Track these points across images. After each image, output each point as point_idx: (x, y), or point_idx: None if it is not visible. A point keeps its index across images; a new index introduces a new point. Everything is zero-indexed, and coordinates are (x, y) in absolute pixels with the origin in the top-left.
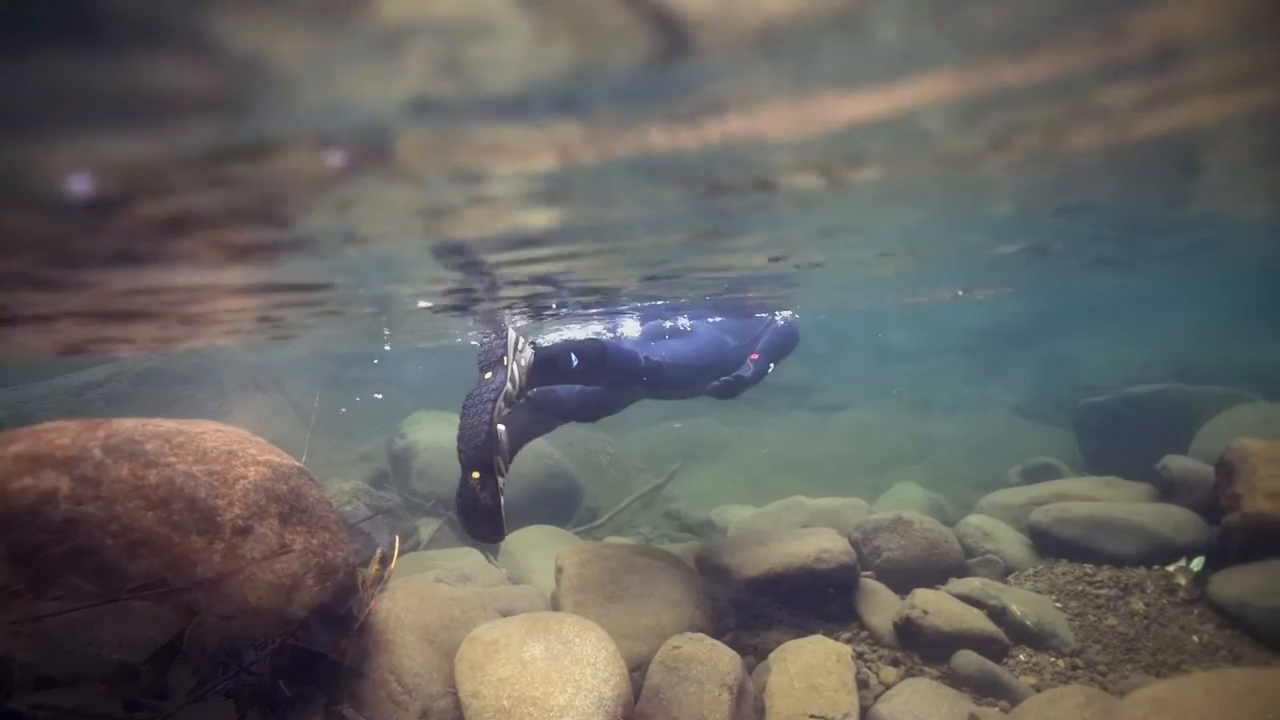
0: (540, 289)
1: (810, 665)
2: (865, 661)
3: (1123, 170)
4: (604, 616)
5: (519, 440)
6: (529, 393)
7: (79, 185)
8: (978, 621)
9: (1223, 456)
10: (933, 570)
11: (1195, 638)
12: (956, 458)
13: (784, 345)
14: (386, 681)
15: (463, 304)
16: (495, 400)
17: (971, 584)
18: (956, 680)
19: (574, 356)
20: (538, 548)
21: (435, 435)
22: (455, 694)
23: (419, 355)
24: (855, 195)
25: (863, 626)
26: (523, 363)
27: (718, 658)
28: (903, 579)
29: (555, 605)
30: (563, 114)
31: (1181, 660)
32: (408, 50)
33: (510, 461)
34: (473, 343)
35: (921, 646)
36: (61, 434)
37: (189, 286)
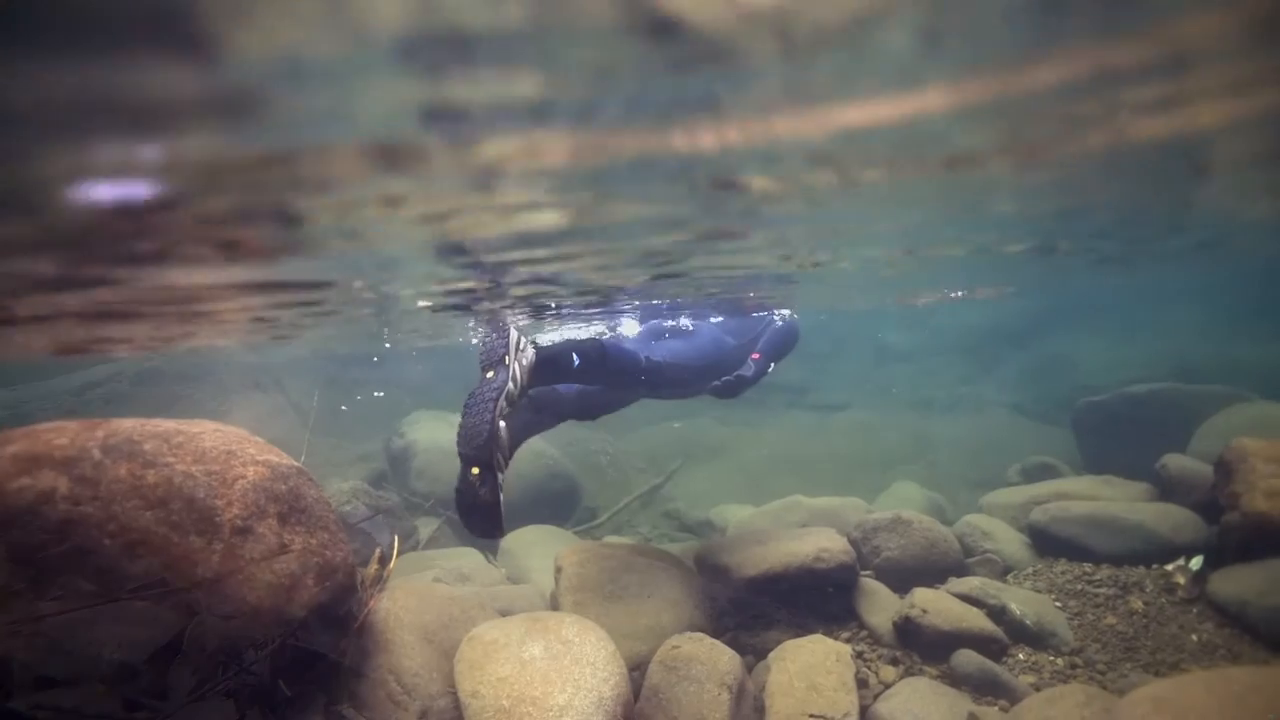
0: (543, 288)
1: (810, 664)
2: (865, 661)
3: (1128, 171)
4: (603, 616)
5: (519, 438)
6: (530, 392)
7: (136, 189)
8: (977, 620)
9: (1221, 456)
10: (932, 569)
11: (1194, 637)
12: (955, 457)
13: (784, 344)
14: (386, 681)
15: (464, 303)
16: (497, 399)
17: (971, 583)
18: (956, 679)
19: (575, 356)
20: (537, 547)
21: (434, 435)
22: (454, 694)
23: (419, 355)
24: (863, 194)
25: (862, 626)
26: (524, 362)
27: (717, 657)
28: (902, 578)
29: (554, 605)
30: (581, 119)
31: (1180, 659)
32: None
33: (510, 459)
34: (473, 342)
35: (921, 646)
36: (60, 434)
37: (190, 285)
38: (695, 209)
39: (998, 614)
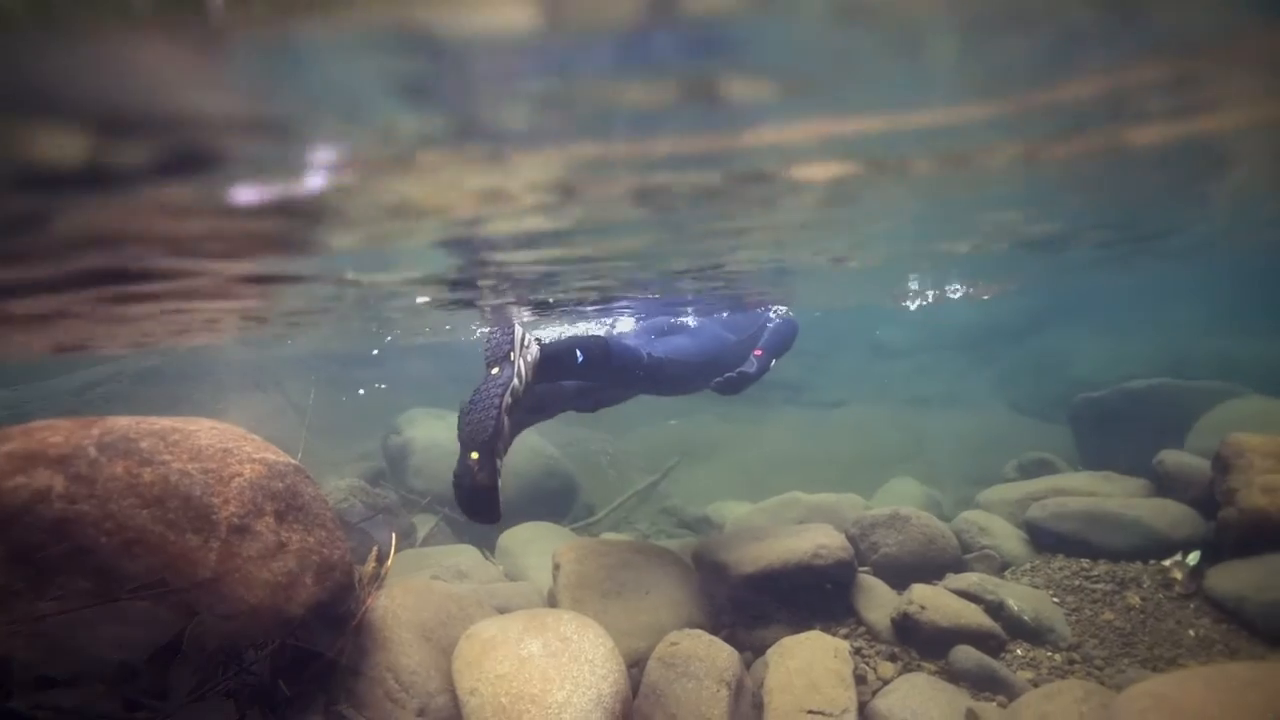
0: (547, 287)
1: (808, 661)
2: (863, 657)
3: (1141, 171)
4: (602, 613)
5: (518, 427)
6: (535, 388)
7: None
8: (975, 617)
9: (1219, 451)
10: (930, 566)
11: (1192, 632)
12: (952, 453)
13: (785, 341)
14: (384, 679)
15: (467, 300)
16: (503, 395)
17: (969, 579)
18: (954, 675)
19: (579, 352)
20: (534, 544)
21: (431, 432)
22: (453, 691)
23: (420, 351)
24: (897, 189)
25: (860, 622)
26: (529, 358)
27: (716, 654)
28: (900, 574)
29: (553, 602)
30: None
31: (1178, 654)
32: None
33: (509, 447)
34: (474, 339)
35: (919, 642)
36: (55, 432)
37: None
38: (725, 203)
39: (996, 610)
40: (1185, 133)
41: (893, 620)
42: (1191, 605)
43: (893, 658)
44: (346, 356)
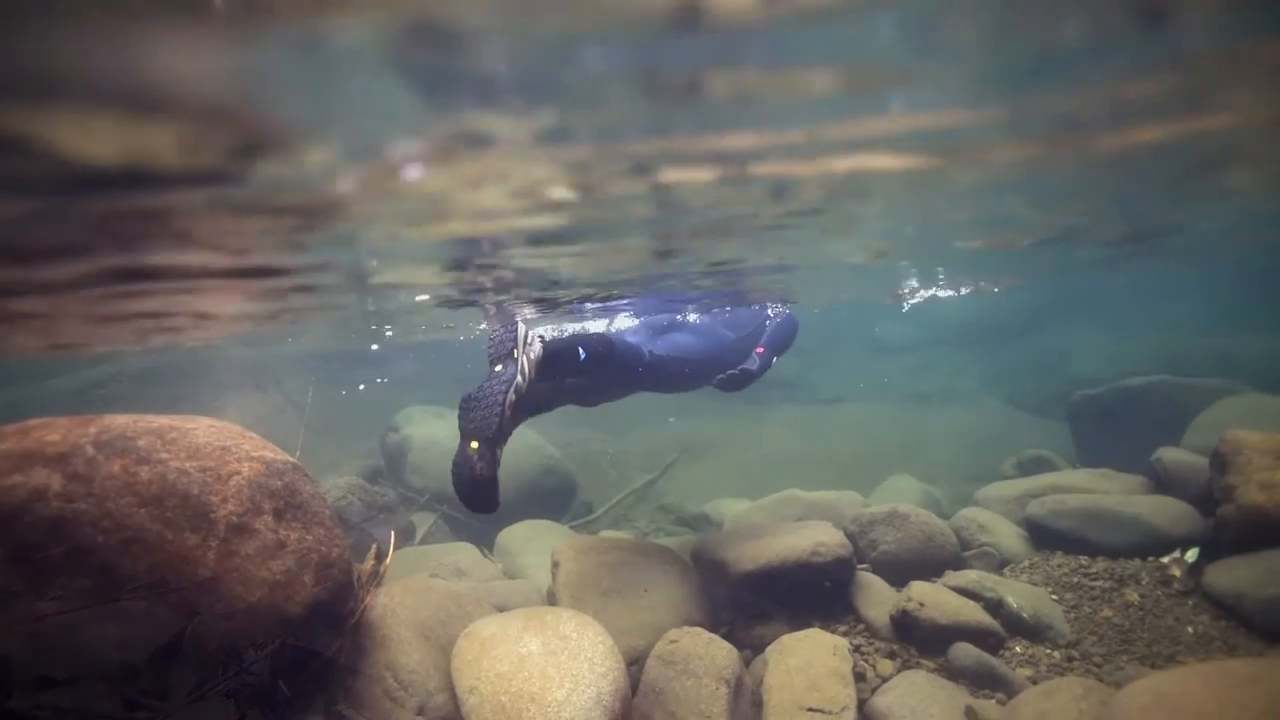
0: (550, 286)
1: (807, 659)
2: (862, 654)
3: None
4: (601, 611)
5: (517, 420)
6: (537, 385)
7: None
8: (974, 614)
9: (1217, 448)
10: (929, 563)
11: (1190, 629)
12: (951, 450)
13: (787, 338)
14: (383, 678)
15: (469, 299)
16: (507, 392)
17: (968, 576)
18: (953, 673)
19: (581, 350)
20: (533, 542)
21: (430, 430)
22: (452, 690)
23: (420, 348)
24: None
25: (859, 620)
26: (532, 355)
27: (715, 652)
28: (899, 572)
29: (552, 600)
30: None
31: (1177, 651)
32: None
33: (508, 439)
34: (472, 336)
35: (918, 639)
36: (52, 430)
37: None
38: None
39: (994, 607)
40: (1185, 132)
41: (892, 618)
42: (1190, 602)
43: (892, 655)
44: (346, 356)
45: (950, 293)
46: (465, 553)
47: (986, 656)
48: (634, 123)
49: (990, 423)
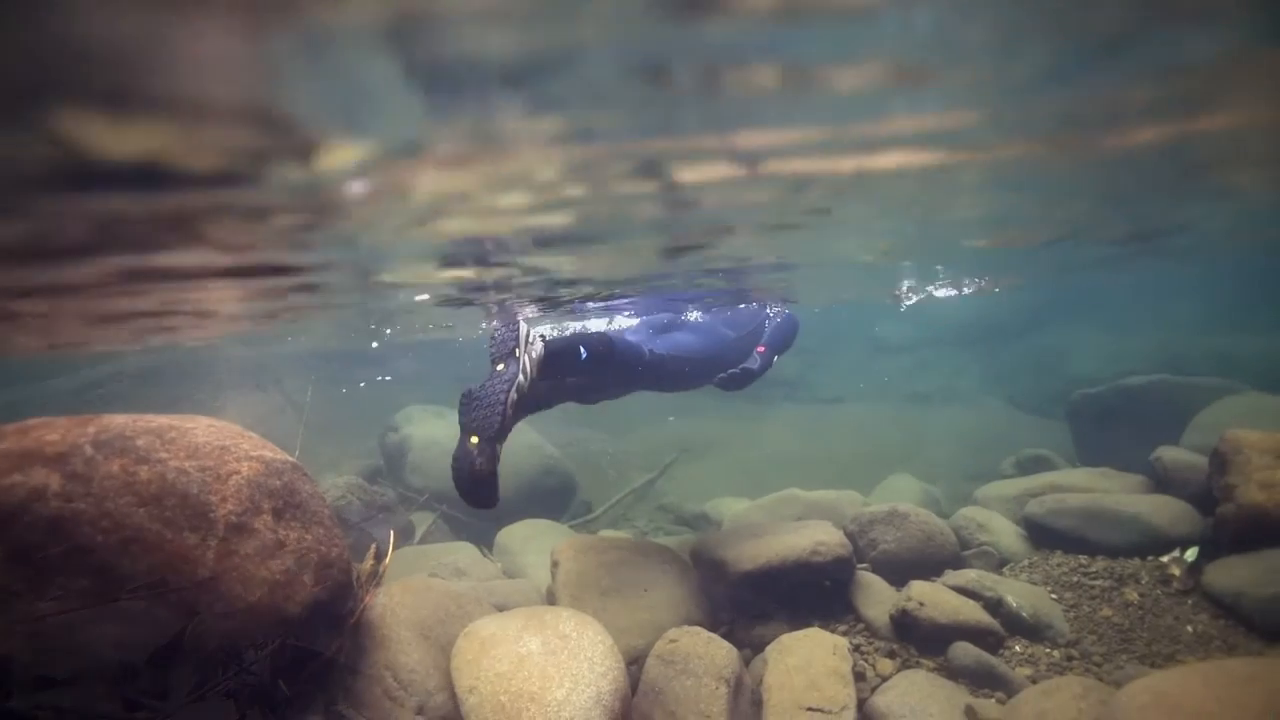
0: (553, 285)
1: (807, 658)
2: (862, 654)
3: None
4: (600, 611)
5: (517, 417)
6: (538, 384)
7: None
8: (974, 613)
9: (1216, 447)
10: (928, 562)
11: (1190, 628)
12: (950, 450)
13: (788, 337)
14: (382, 678)
15: (470, 298)
16: (509, 391)
17: (967, 576)
18: (953, 672)
19: (582, 349)
20: (532, 541)
21: (429, 430)
22: (452, 689)
23: (420, 348)
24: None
25: (859, 619)
26: (534, 355)
27: (714, 651)
28: (898, 571)
29: (551, 599)
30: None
31: (1176, 650)
32: None
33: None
34: (475, 336)
35: (918, 639)
36: (50, 430)
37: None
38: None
39: (994, 607)
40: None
41: (891, 617)
42: (1189, 601)
43: (891, 654)
44: (346, 355)
45: (953, 292)
46: (464, 552)
47: (986, 656)
48: (645, 120)
49: (990, 422)
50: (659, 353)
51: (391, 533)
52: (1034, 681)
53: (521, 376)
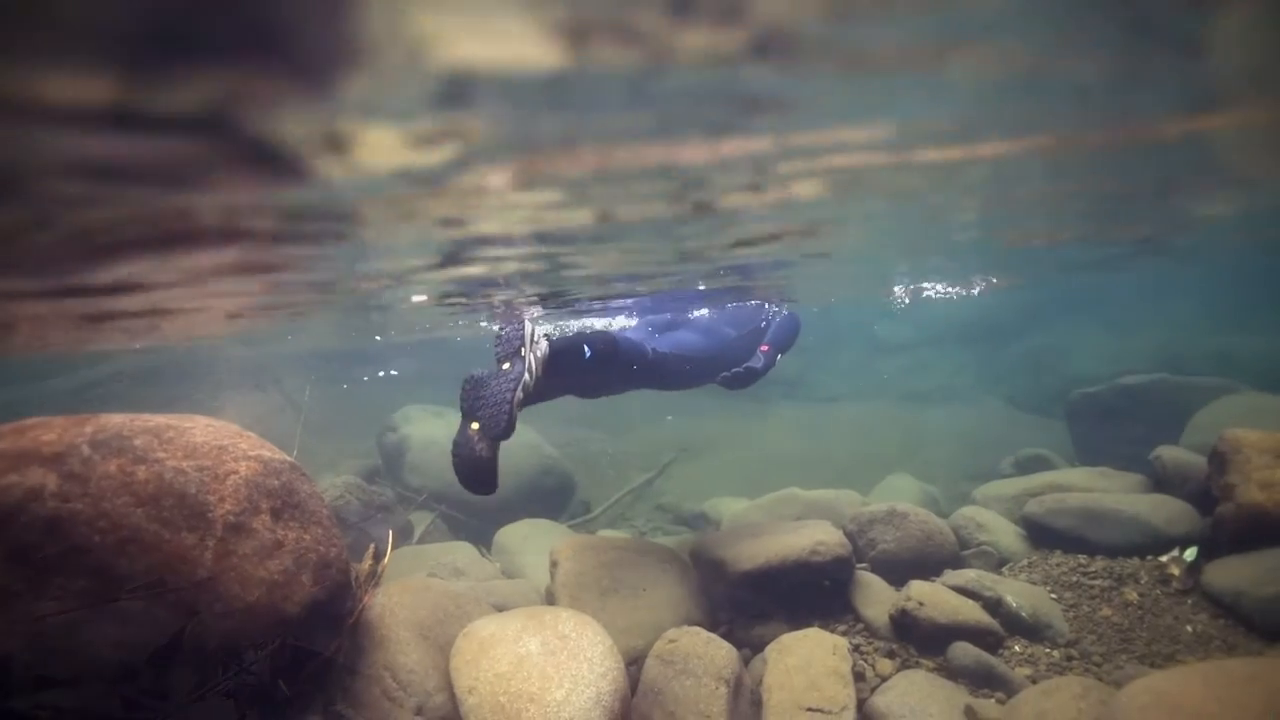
0: (557, 285)
1: (806, 658)
2: (861, 654)
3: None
4: (600, 611)
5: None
6: (542, 383)
7: None
8: (973, 613)
9: (1215, 447)
10: (928, 562)
11: (1189, 628)
12: (949, 449)
13: (790, 337)
14: (381, 678)
15: (473, 297)
16: (514, 390)
17: (966, 575)
18: (952, 672)
19: (586, 348)
20: (531, 541)
21: (428, 429)
22: (451, 690)
23: (420, 347)
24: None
25: (858, 619)
26: (539, 354)
27: (714, 651)
28: (898, 571)
29: (550, 599)
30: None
31: (1176, 650)
32: None
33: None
34: (476, 335)
35: (917, 639)
36: (47, 430)
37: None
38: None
39: (994, 606)
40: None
41: (891, 617)
42: (1189, 601)
43: (891, 654)
44: (345, 354)
45: (958, 291)
46: (463, 552)
47: (985, 656)
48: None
49: (989, 422)
50: (661, 351)
51: (390, 532)
52: (1034, 681)
53: (527, 375)
